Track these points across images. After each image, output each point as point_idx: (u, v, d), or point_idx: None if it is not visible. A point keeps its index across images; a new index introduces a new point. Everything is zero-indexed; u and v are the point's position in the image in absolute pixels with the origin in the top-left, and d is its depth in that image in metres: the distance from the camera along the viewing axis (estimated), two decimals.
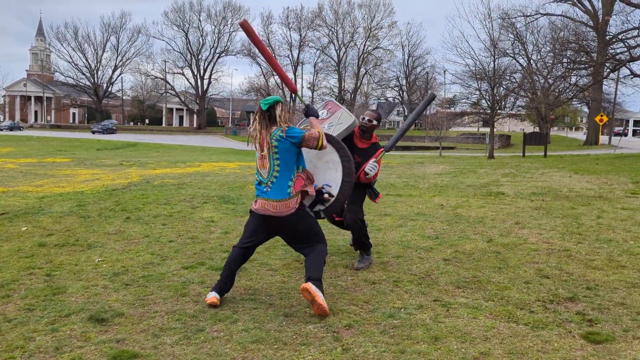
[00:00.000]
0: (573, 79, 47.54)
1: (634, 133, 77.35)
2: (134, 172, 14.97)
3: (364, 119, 4.69)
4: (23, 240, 5.81)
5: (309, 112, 4.11)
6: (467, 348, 3.04)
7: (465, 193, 9.82)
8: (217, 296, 3.75)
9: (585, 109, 74.40)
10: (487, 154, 30.56)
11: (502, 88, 36.41)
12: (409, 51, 74.03)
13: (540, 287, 4.10)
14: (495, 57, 33.63)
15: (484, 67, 32.21)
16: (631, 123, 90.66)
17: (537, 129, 62.96)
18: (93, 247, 5.52)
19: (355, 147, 4.64)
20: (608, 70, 28.55)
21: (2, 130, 59.98)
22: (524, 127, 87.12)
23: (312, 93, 70.48)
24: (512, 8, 46.27)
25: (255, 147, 3.85)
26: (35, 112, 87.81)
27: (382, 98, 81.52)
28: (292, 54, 70.01)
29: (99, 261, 4.95)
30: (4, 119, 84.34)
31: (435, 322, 3.42)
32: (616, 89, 50.91)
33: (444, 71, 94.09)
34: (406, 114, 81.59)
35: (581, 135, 70.61)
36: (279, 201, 3.70)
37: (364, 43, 69.72)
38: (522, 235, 5.97)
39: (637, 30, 30.64)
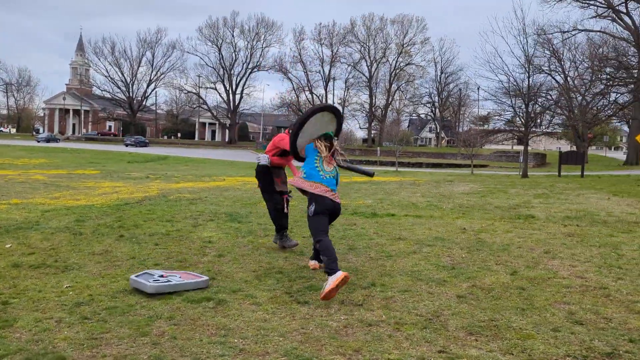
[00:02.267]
0: (612, 96, 45.91)
1: None
2: (155, 186, 14.64)
3: None
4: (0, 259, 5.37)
5: None
6: None
7: (491, 215, 9.04)
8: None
9: (625, 128, 71.87)
10: (521, 173, 29.39)
11: (537, 105, 35.24)
12: (441, 67, 73.09)
13: (572, 337, 3.37)
14: (531, 73, 32.58)
15: (517, 84, 31.19)
16: None
17: (574, 148, 60.98)
18: (69, 269, 5.02)
19: None
20: None
21: (39, 142, 61.39)
22: (560, 146, 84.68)
23: (343, 109, 70.08)
24: (547, 24, 44.91)
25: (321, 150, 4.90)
26: (74, 124, 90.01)
27: (414, 114, 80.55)
28: (323, 70, 69.98)
29: (67, 287, 4.43)
30: (43, 131, 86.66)
31: None
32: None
33: (478, 88, 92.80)
34: (438, 130, 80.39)
35: (621, 155, 68.13)
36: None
37: (395, 59, 69.14)
38: (552, 267, 5.22)
39: None
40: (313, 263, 5.17)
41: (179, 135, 78.65)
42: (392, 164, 44.33)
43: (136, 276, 4.43)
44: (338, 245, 6.20)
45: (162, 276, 4.43)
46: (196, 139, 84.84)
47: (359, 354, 3.14)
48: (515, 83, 34.66)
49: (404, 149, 60.27)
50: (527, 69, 31.07)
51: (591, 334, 3.45)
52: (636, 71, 38.08)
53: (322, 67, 69.67)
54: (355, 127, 72.55)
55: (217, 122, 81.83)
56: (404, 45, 68.22)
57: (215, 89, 73.46)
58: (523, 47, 32.13)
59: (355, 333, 3.47)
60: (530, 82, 31.10)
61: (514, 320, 3.70)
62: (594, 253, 5.90)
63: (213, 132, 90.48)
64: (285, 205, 6.09)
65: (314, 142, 4.97)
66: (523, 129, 30.81)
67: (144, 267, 5.15)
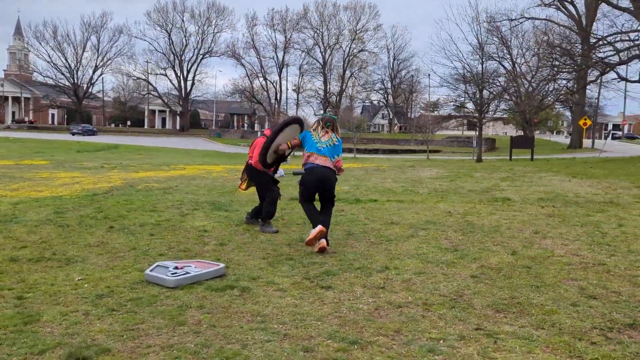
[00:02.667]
0: (558, 83, 47.74)
1: (613, 137, 78.28)
2: (115, 176, 14.22)
3: None
4: None
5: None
6: None
7: (469, 199, 9.33)
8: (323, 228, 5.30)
9: (567, 113, 75.12)
10: (475, 158, 30.27)
11: (489, 91, 36.27)
12: (394, 54, 73.89)
13: (592, 311, 3.59)
14: (484, 60, 33.44)
15: (471, 70, 31.97)
16: (610, 127, 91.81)
17: (520, 133, 63.20)
18: (72, 262, 4.88)
19: None
20: (598, 73, 28.34)
21: None
22: (506, 131, 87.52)
23: (298, 95, 69.92)
24: (498, 12, 46.14)
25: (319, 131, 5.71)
26: (13, 112, 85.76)
27: (367, 101, 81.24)
28: (276, 56, 69.36)
29: (79, 280, 4.32)
30: None
31: (483, 359, 2.88)
32: (599, 93, 51.24)
33: (429, 74, 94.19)
34: (391, 116, 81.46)
35: (563, 139, 71.11)
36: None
37: (349, 45, 69.37)
38: (547, 247, 5.48)
39: (623, 35, 30.67)
40: (322, 242, 5.29)
41: (129, 123, 76.24)
42: (350, 150, 44.71)
43: (151, 270, 4.36)
44: (336, 232, 6.28)
45: (177, 267, 4.38)
46: (146, 127, 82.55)
47: (400, 335, 3.23)
48: (469, 70, 35.60)
49: (359, 136, 60.84)
50: (481, 56, 31.98)
51: (607, 307, 3.67)
52: (579, 58, 39.73)
53: (276, 53, 69.13)
54: (310, 114, 72.39)
55: (167, 110, 79.90)
56: (357, 32, 68.50)
57: (166, 75, 71.67)
58: (476, 35, 32.98)
59: (388, 315, 3.57)
60: (484, 68, 32.02)
61: (533, 297, 3.89)
62: (579, 232, 6.22)
63: (163, 120, 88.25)
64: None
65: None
66: (477, 114, 31.69)
67: (149, 257, 5.07)
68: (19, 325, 3.34)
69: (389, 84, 75.71)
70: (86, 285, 4.17)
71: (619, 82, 31.21)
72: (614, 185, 11.45)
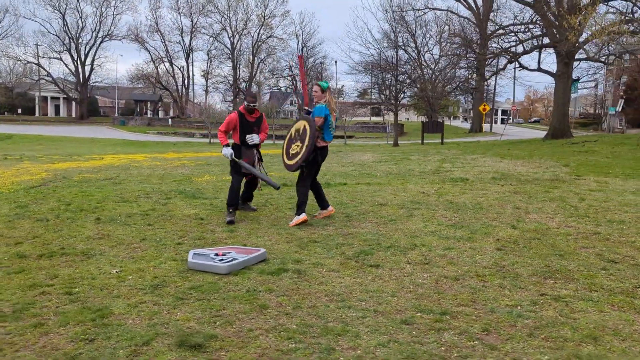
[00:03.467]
0: (460, 72, 50.56)
1: (502, 121, 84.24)
2: (33, 168, 13.19)
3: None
4: None
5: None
6: (635, 347, 2.83)
7: (431, 179, 9.81)
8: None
9: (462, 99, 79.98)
10: (393, 142, 31.42)
11: (394, 79, 37.71)
12: (302, 41, 74.14)
13: (623, 273, 4.03)
14: (396, 48, 34.66)
15: (387, 58, 33.02)
16: (500, 112, 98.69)
17: (422, 118, 66.35)
18: (92, 255, 4.61)
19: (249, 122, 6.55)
20: (506, 61, 30.43)
21: None
22: (408, 117, 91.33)
23: (206, 81, 68.16)
24: (405, 2, 47.82)
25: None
26: None
27: (275, 87, 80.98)
28: (183, 40, 67.01)
29: (118, 272, 4.11)
30: None
31: (569, 319, 3.18)
32: (495, 81, 55.00)
33: (335, 62, 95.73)
34: (299, 103, 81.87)
35: (460, 124, 75.63)
36: None
37: (257, 31, 68.56)
38: (538, 220, 5.97)
39: (523, 26, 33.02)
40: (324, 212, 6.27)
41: (19, 111, 70.20)
42: (270, 137, 44.54)
43: (192, 258, 4.26)
44: (333, 214, 6.40)
45: (217, 254, 4.32)
46: (37, 114, 76.54)
47: (477, 303, 3.46)
48: (384, 57, 36.77)
49: (272, 121, 60.72)
50: (395, 44, 33.04)
51: (632, 269, 4.14)
52: (476, 45, 42.31)
53: (182, 37, 66.75)
54: (217, 101, 70.94)
55: (62, 97, 74.55)
56: (265, 18, 67.90)
57: (61, 59, 66.63)
58: (390, 23, 34.00)
59: (452, 287, 3.78)
60: (397, 56, 33.20)
61: (565, 264, 4.28)
62: (553, 207, 6.81)
63: (57, 108, 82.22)
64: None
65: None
66: (393, 101, 32.87)
67: (169, 247, 4.92)
68: (97, 319, 3.17)
69: (296, 70, 75.84)
70: (130, 277, 3.99)
71: (520, 70, 33.62)
72: (545, 165, 12.51)
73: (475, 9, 46.37)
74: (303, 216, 5.85)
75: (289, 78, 76.69)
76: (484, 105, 46.79)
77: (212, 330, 3.04)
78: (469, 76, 44.65)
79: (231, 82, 67.59)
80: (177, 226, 5.83)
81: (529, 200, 7.32)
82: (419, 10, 52.38)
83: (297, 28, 74.77)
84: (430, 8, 53.45)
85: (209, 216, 6.39)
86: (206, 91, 69.19)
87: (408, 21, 50.67)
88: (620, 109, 39.92)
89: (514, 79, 61.39)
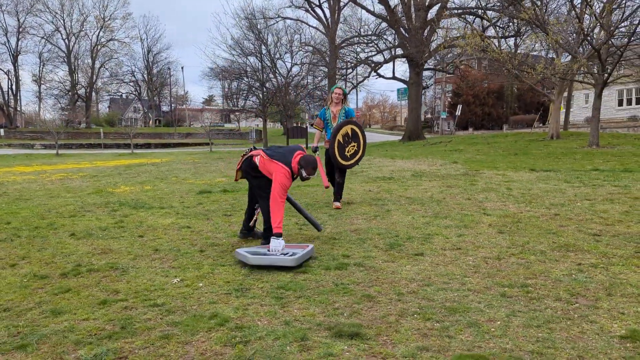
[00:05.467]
0: (315, 79, 52.52)
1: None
2: None
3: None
4: None
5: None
6: None
7: (359, 180, 10.35)
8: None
9: (309, 108, 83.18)
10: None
11: (262, 86, 38.21)
12: (148, 45, 70.98)
13: (615, 243, 4.85)
14: (246, 56, 34.95)
15: (252, 65, 33.21)
16: None
17: (275, 125, 67.65)
18: (126, 269, 4.28)
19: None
20: (369, 70, 32.45)
21: None
22: (258, 123, 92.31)
23: (39, 87, 61.86)
24: (258, 10, 48.41)
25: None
26: None
27: (117, 94, 76.35)
28: (9, 42, 60.02)
29: (177, 281, 3.91)
30: None
31: (620, 280, 3.82)
32: (356, 89, 58.05)
33: (182, 67, 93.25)
34: (145, 110, 78.21)
35: (311, 129, 78.43)
36: None
37: (96, 34, 64.05)
38: (500, 207, 6.76)
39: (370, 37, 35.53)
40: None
41: None
42: (118, 146, 41.94)
43: (254, 255, 4.23)
44: (319, 214, 6.58)
45: (269, 250, 4.36)
46: None
47: (539, 275, 3.97)
48: (238, 64, 36.82)
49: (117, 130, 57.26)
50: (260, 52, 33.41)
51: (619, 239, 4.99)
52: (326, 54, 44.50)
53: (7, 37, 59.75)
54: (55, 108, 64.70)
55: None
56: (105, 19, 63.69)
57: None
58: (254, 30, 34.27)
59: (503, 265, 4.26)
60: (264, 64, 33.56)
61: (565, 240, 5.01)
62: (494, 196, 7.72)
63: None
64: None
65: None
66: (262, 107, 33.21)
67: (191, 255, 4.74)
68: (224, 324, 3.07)
69: (140, 76, 72.46)
70: (201, 284, 3.83)
71: (377, 78, 36.11)
72: (437, 163, 13.83)
73: (324, 20, 48.42)
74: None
75: (130, 84, 72.91)
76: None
77: (348, 320, 3.14)
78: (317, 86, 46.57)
79: (68, 88, 62.17)
80: (172, 236, 5.56)
81: (468, 192, 8.19)
82: (271, 18, 53.40)
83: (141, 32, 71.18)
84: (282, 17, 54.82)
85: (196, 225, 6.15)
86: (39, 98, 62.86)
87: (260, 29, 51.45)
88: (459, 113, 44.71)
89: (356, 87, 65.65)
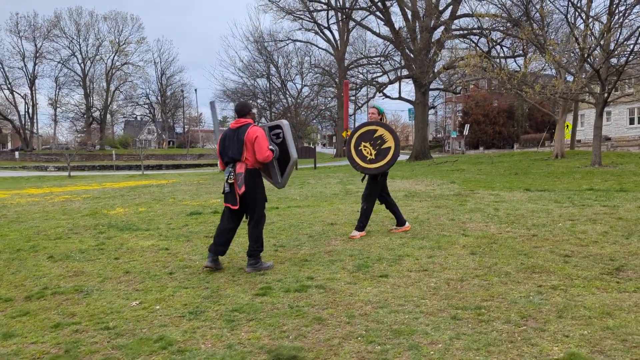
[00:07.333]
0: (324, 99, 53.10)
1: None
2: None
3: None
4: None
5: None
6: None
7: (349, 200, 10.39)
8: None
9: (320, 127, 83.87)
10: None
11: (269, 105, 38.64)
12: (161, 69, 72.23)
13: (584, 264, 4.83)
14: (270, 77, 35.60)
15: (259, 86, 33.69)
16: None
17: None
18: (88, 292, 4.36)
19: None
20: (375, 91, 32.70)
21: None
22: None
23: (55, 110, 63.10)
24: (267, 33, 49.24)
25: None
26: None
27: (132, 116, 77.56)
28: (25, 66, 61.57)
29: (137, 304, 3.97)
30: None
31: (576, 302, 3.81)
32: (355, 108, 58.43)
33: (195, 90, 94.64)
34: (159, 132, 79.28)
35: (321, 149, 78.98)
36: None
37: (111, 57, 65.43)
38: (480, 228, 6.75)
39: (380, 58, 35.84)
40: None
41: None
42: (130, 167, 42.51)
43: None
44: (300, 235, 6.62)
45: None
46: None
47: (497, 297, 3.97)
48: (248, 86, 37.37)
49: (130, 152, 58.06)
50: (268, 73, 33.91)
51: (586, 260, 4.97)
52: (335, 75, 44.95)
53: (24, 62, 61.33)
54: (63, 132, 65.86)
55: None
56: (120, 44, 65.11)
57: None
58: (261, 52, 34.84)
59: (464, 287, 4.26)
60: (270, 85, 34.10)
61: (533, 261, 4.99)
62: (479, 216, 7.70)
63: None
64: None
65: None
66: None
67: (159, 277, 4.79)
68: (168, 347, 3.13)
69: (156, 98, 73.63)
70: (158, 307, 3.90)
71: (383, 99, 36.37)
72: (435, 183, 13.83)
73: (333, 42, 49.01)
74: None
75: (145, 106, 74.02)
76: (348, 131, 49.25)
77: (291, 344, 3.17)
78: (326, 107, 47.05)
79: (83, 111, 63.33)
80: (147, 258, 5.65)
81: (454, 213, 8.19)
82: (282, 41, 54.30)
83: (154, 55, 72.57)
84: (292, 40, 55.71)
85: (180, 247, 6.24)
86: (55, 120, 64.08)
87: (270, 51, 52.27)
88: (467, 132, 44.65)
89: (360, 108, 66.09)
